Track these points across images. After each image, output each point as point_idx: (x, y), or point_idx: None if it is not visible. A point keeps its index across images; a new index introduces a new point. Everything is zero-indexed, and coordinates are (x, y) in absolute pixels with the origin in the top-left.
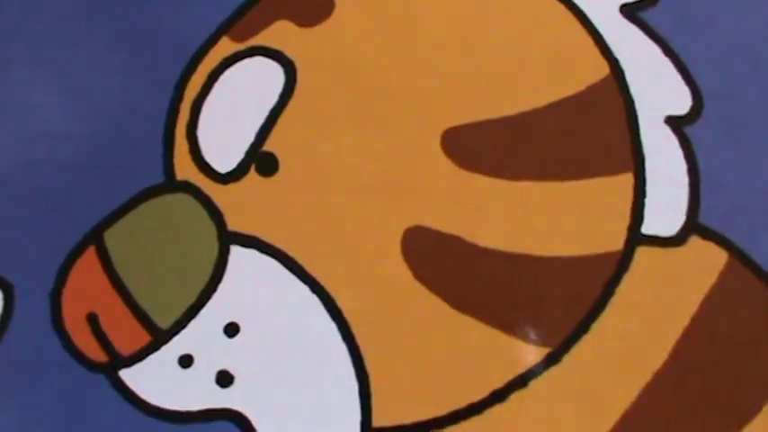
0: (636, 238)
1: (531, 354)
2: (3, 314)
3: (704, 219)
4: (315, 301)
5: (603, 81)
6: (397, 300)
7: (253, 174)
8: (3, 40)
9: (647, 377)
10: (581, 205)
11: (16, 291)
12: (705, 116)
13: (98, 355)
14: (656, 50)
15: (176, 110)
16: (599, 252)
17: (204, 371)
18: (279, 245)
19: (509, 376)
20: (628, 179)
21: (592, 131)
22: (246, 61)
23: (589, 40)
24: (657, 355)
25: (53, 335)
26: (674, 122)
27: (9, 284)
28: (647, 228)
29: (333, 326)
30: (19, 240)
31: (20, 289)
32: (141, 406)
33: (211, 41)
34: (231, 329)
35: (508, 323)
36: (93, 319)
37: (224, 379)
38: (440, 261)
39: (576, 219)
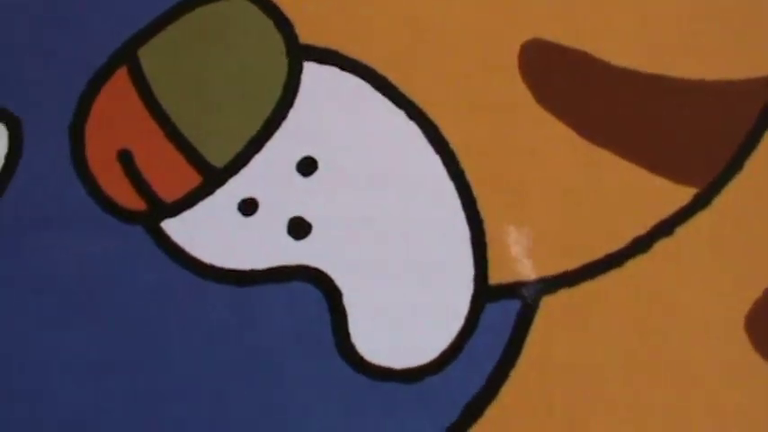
0: None
1: (677, 195)
2: (8, 155)
3: None
4: (413, 129)
5: None
6: (516, 128)
7: None
8: None
9: None
10: (723, 20)
11: (26, 126)
12: None
13: (134, 202)
14: None
15: None
16: (748, 76)
17: (273, 219)
18: (365, 61)
19: (652, 221)
20: None
21: None
22: None
23: None
24: None
25: (74, 179)
26: None
27: (16, 118)
28: None
29: (437, 160)
30: (26, 64)
31: (30, 124)
32: (191, 264)
33: None
34: (306, 166)
35: (649, 158)
36: (126, 158)
37: (298, 228)
38: (566, 82)
39: (718, 35)
